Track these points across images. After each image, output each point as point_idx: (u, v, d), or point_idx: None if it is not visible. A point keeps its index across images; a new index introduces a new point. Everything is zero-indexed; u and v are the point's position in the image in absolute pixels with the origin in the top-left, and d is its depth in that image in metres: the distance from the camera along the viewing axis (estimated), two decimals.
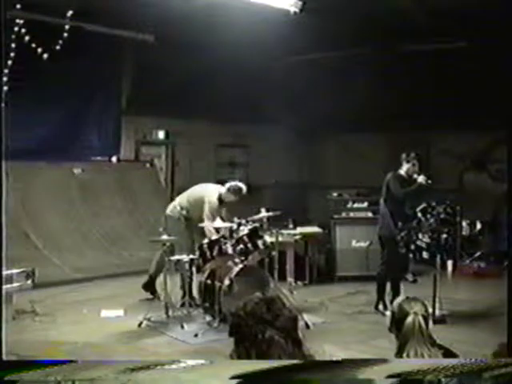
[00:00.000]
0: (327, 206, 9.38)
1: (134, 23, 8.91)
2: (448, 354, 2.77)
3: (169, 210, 7.34)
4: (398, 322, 2.81)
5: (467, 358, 2.18)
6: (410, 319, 2.75)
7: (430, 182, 6.76)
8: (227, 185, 7.00)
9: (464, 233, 9.64)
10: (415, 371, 2.08)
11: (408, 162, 6.91)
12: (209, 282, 6.43)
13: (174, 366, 2.14)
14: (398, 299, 2.98)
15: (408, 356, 2.65)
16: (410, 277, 8.36)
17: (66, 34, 7.70)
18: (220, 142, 12.26)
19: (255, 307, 2.11)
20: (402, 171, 6.94)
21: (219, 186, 7.15)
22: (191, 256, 6.60)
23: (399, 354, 2.72)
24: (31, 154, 9.15)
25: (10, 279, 5.94)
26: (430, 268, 6.87)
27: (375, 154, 11.92)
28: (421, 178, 6.75)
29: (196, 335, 5.93)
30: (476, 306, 7.17)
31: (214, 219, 6.83)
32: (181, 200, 7.32)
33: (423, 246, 6.66)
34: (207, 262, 6.58)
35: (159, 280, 7.12)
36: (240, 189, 6.94)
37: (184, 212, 6.98)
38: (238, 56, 9.74)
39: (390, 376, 2.05)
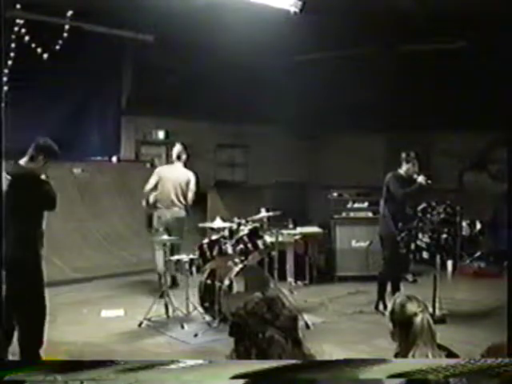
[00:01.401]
0: (327, 206, 9.39)
1: (133, 23, 8.90)
2: (449, 355, 2.69)
3: (169, 213, 7.49)
4: (403, 324, 2.65)
5: (467, 357, 2.18)
6: (419, 319, 2.62)
7: (429, 182, 6.76)
8: (174, 154, 7.83)
9: (464, 233, 9.61)
10: (415, 371, 2.08)
11: (408, 161, 6.91)
12: (209, 281, 6.44)
13: (173, 366, 2.14)
14: (397, 300, 2.75)
15: (413, 357, 2.56)
16: (409, 277, 8.36)
17: (65, 34, 7.72)
18: (220, 142, 12.26)
19: (255, 307, 2.11)
20: (402, 171, 6.94)
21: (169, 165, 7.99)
22: (191, 256, 6.61)
23: (402, 356, 2.61)
24: None
25: None
26: (430, 268, 6.86)
27: (375, 154, 11.92)
28: (421, 178, 6.75)
29: (196, 335, 5.93)
30: (476, 306, 7.18)
31: None
32: (170, 199, 7.49)
33: (423, 246, 6.65)
34: (207, 262, 6.59)
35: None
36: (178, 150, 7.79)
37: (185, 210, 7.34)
38: (237, 56, 9.73)
39: (390, 376, 2.05)
